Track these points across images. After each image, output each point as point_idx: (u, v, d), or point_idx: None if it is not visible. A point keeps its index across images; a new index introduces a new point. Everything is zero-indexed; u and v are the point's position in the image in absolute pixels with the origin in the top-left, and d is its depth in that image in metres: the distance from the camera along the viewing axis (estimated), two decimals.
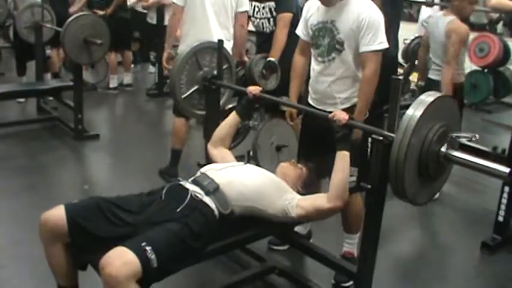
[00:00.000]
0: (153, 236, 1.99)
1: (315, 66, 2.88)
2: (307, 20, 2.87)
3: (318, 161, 2.67)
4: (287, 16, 3.71)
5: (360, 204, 2.86)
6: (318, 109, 2.82)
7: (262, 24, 3.82)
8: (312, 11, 2.83)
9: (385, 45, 2.67)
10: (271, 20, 3.78)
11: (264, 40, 3.88)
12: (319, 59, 2.82)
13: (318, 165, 2.65)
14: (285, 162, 2.69)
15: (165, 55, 3.90)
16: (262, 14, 3.79)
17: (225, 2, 3.86)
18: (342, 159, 2.32)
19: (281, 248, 3.20)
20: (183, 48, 3.85)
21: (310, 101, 2.95)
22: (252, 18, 3.87)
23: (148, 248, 1.90)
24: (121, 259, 1.85)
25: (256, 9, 3.81)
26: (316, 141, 2.80)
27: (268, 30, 3.82)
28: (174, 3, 3.92)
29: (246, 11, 3.97)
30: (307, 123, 3.00)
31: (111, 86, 6.99)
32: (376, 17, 2.65)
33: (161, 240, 1.99)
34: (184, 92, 3.08)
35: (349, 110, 2.67)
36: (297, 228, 3.05)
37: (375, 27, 2.63)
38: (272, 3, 3.72)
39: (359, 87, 2.72)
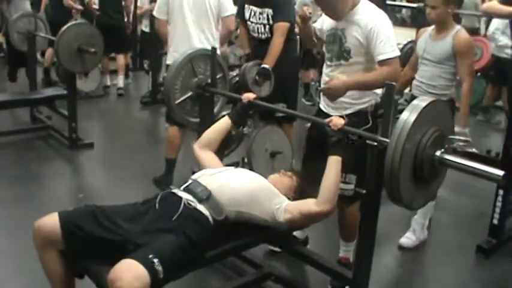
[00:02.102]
0: (158, 247, 2.00)
1: (324, 69, 2.91)
2: (322, 25, 2.90)
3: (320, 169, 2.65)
4: (285, 26, 3.73)
5: (357, 213, 2.86)
6: (325, 113, 2.85)
7: (258, 29, 3.83)
8: (327, 17, 2.84)
9: (398, 52, 2.65)
10: (267, 26, 3.79)
11: (258, 45, 3.89)
12: (328, 62, 2.86)
13: (319, 173, 2.63)
14: (274, 174, 2.69)
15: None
16: (259, 18, 3.79)
17: (207, 8, 3.89)
18: (334, 163, 2.33)
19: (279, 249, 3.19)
20: (168, 56, 3.99)
21: (320, 106, 2.98)
22: (248, 22, 3.89)
23: (155, 260, 1.91)
24: (131, 272, 1.84)
25: (253, 13, 3.82)
26: (320, 150, 2.80)
27: (263, 36, 3.83)
28: (156, 18, 4.06)
29: (232, 15, 4.01)
30: (312, 131, 3.03)
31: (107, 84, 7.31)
32: (385, 25, 2.64)
33: (166, 251, 2.00)
34: (178, 97, 3.09)
35: (353, 116, 2.69)
36: (295, 233, 3.05)
37: (386, 35, 2.61)
38: (271, 11, 3.73)
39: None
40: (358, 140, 2.33)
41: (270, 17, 3.75)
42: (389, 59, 2.60)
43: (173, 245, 2.04)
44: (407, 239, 3.46)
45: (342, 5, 2.65)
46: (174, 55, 3.86)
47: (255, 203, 2.36)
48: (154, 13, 4.10)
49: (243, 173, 2.54)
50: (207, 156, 2.70)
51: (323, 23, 2.89)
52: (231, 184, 2.39)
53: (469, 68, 3.28)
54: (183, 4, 3.86)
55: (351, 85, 2.68)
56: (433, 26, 3.40)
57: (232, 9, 4.01)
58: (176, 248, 2.04)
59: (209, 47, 3.73)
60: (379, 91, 2.82)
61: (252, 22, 3.86)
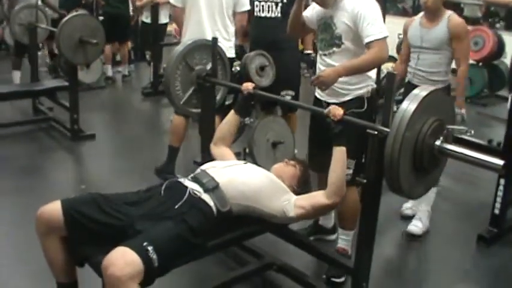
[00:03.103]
0: (154, 235, 2.01)
1: (318, 59, 2.93)
2: (312, 14, 2.92)
3: (326, 156, 2.65)
4: None
5: (356, 199, 2.86)
6: (322, 101, 2.87)
7: (268, 7, 3.82)
8: (317, 6, 2.86)
9: (386, 33, 2.67)
10: (280, 5, 3.78)
11: (263, 27, 3.90)
12: (321, 51, 2.87)
13: (325, 161, 2.63)
14: (278, 163, 2.70)
15: None
16: None
17: (222, 2, 3.89)
18: (340, 154, 2.33)
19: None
20: None
21: (316, 94, 2.99)
22: (256, 2, 3.89)
23: (150, 248, 1.92)
24: (124, 259, 1.85)
25: None
26: (323, 139, 2.80)
27: (273, 15, 3.83)
28: (173, 5, 4.07)
29: (246, 11, 4.00)
30: (312, 121, 3.05)
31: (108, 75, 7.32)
32: (371, 7, 2.67)
33: (162, 239, 2.00)
34: (181, 96, 3.10)
35: (351, 102, 2.71)
36: (321, 222, 3.17)
37: (372, 17, 2.64)
38: None
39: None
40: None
41: None
42: (376, 40, 2.63)
43: (171, 233, 2.05)
44: (415, 226, 3.47)
45: None
46: None
47: (262, 198, 2.37)
48: (171, 0, 4.10)
49: (253, 168, 2.55)
50: (220, 152, 2.75)
51: (313, 11, 2.91)
52: (239, 178, 2.40)
53: (466, 51, 3.39)
54: None
55: (341, 71, 2.68)
56: (420, 15, 3.45)
57: (248, 6, 4.01)
58: (174, 236, 2.05)
59: (229, 43, 3.78)
60: (373, 74, 2.85)
61: (260, 2, 3.86)
